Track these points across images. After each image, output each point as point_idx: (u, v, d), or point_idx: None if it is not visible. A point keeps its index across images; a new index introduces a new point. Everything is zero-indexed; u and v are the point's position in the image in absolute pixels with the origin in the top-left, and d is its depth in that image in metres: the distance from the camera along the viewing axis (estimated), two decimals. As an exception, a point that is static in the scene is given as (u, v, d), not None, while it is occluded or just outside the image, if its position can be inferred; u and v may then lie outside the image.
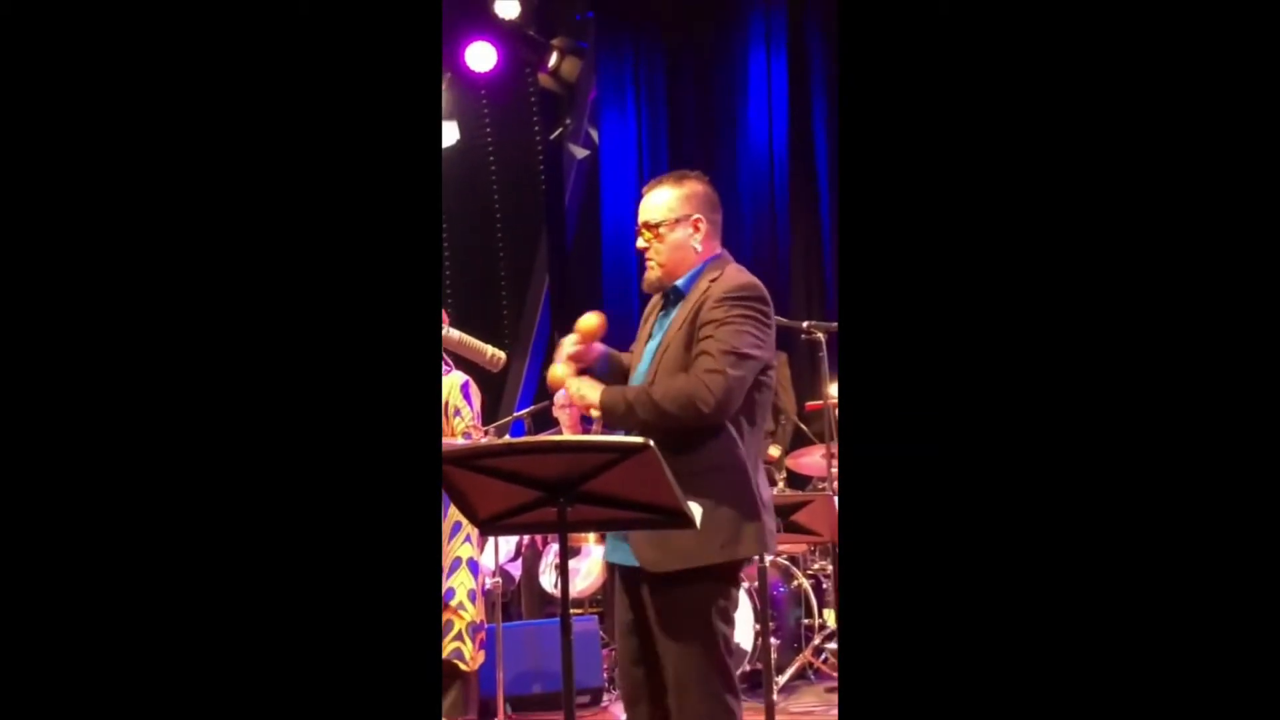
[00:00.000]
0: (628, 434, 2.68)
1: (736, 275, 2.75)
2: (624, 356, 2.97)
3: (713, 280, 2.74)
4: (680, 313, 2.75)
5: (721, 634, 2.68)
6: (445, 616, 4.67)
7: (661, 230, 2.77)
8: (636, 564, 2.70)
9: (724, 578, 2.70)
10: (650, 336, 2.88)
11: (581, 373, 2.81)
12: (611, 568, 5.73)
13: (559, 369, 2.77)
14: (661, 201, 2.80)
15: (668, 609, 2.68)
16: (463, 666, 4.71)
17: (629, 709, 2.88)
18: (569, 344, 2.81)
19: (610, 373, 2.88)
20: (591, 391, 2.70)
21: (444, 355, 4.64)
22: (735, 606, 2.77)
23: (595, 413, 2.72)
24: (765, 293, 2.74)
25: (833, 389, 5.15)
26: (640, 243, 2.82)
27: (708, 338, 2.64)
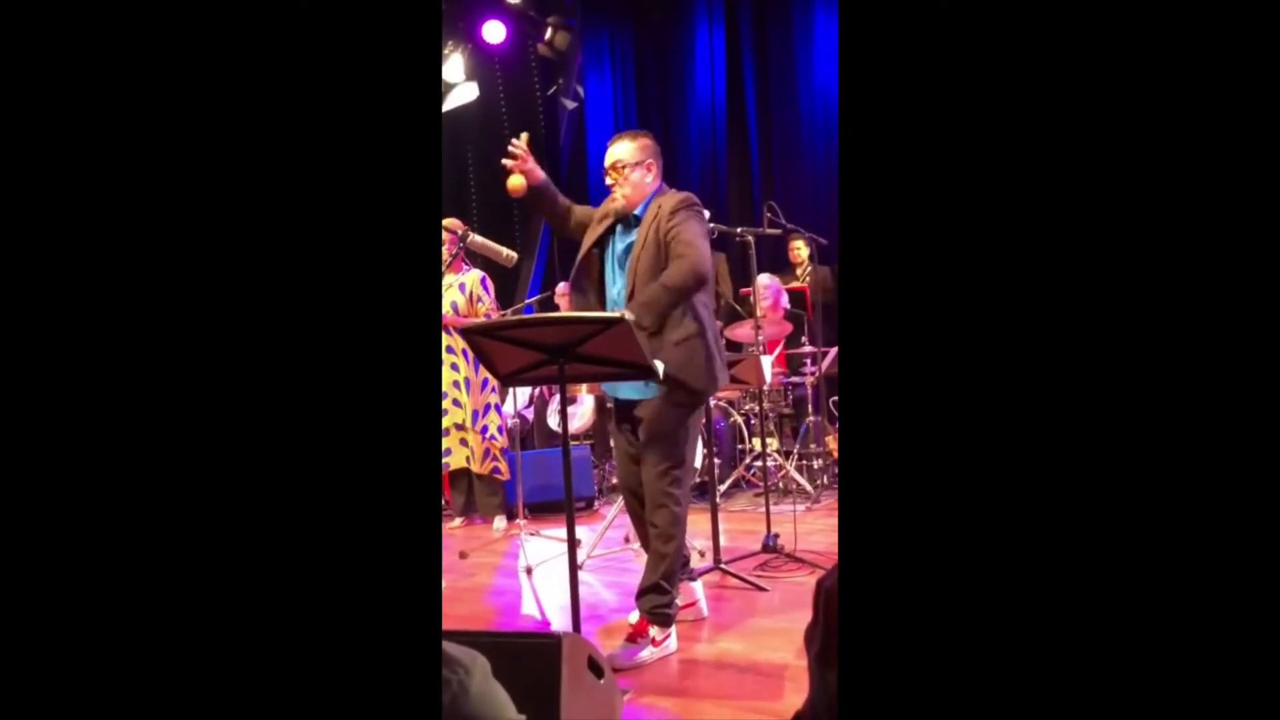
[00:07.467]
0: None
1: (676, 194, 2.81)
2: (561, 201, 2.98)
3: (660, 204, 2.80)
4: (641, 230, 2.79)
5: (683, 443, 2.77)
6: (485, 445, 5.09)
7: (626, 171, 2.84)
8: (639, 398, 2.80)
9: (692, 406, 2.78)
10: (606, 245, 2.92)
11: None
12: (603, 415, 5.82)
13: (516, 179, 2.79)
14: (626, 150, 2.86)
15: (650, 424, 2.78)
16: (499, 478, 5.19)
17: (637, 523, 2.98)
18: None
19: (543, 192, 2.90)
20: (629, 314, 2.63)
21: (465, 257, 4.94)
22: (697, 425, 2.85)
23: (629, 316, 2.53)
24: (698, 200, 2.83)
25: (760, 278, 5.21)
26: (609, 179, 2.88)
27: (675, 238, 2.70)
